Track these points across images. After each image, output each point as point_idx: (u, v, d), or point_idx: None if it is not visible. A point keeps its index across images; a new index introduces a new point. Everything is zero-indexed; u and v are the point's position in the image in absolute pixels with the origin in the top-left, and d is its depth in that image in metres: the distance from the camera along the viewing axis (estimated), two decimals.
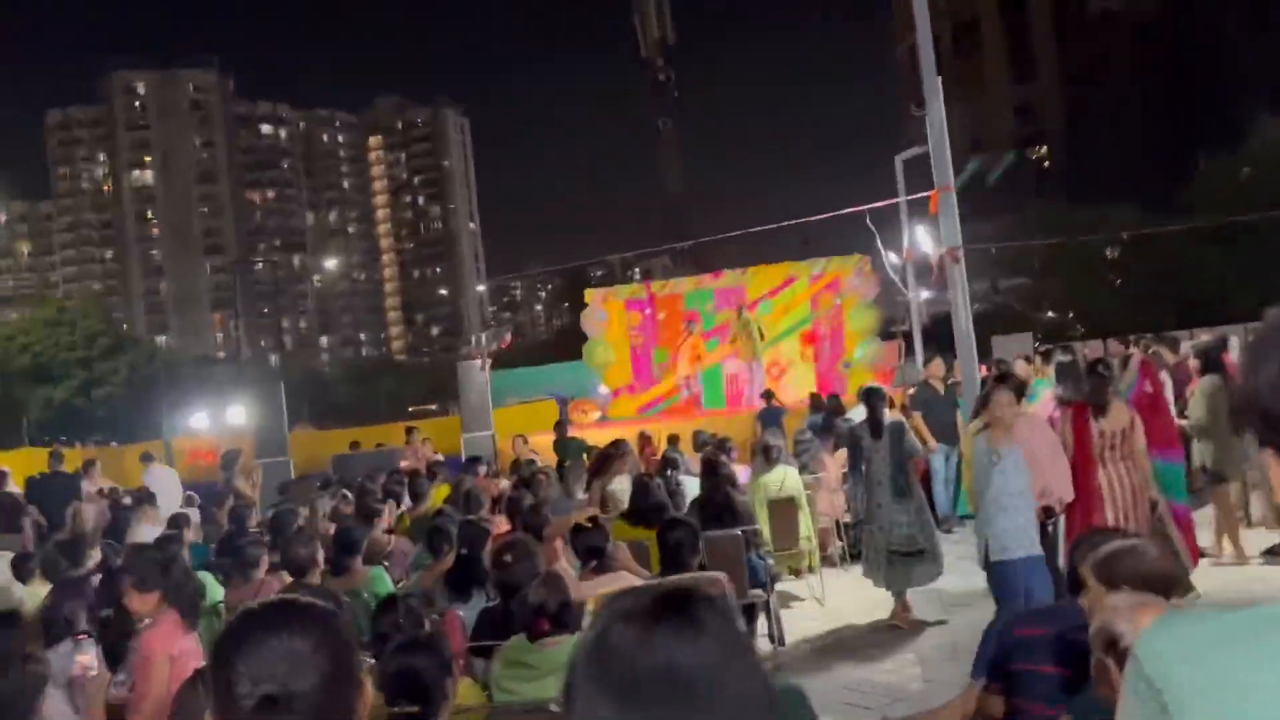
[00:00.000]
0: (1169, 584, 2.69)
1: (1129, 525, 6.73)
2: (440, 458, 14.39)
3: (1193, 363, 9.12)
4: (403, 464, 14.42)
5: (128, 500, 10.93)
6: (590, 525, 5.09)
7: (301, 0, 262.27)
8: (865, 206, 11.05)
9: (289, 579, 5.55)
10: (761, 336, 18.24)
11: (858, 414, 12.38)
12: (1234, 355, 12.00)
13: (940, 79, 8.63)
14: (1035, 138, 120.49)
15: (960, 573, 8.09)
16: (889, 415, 8.13)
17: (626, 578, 5.01)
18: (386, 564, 7.06)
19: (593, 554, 5.01)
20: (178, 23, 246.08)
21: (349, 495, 10.60)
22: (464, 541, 5.67)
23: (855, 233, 15.62)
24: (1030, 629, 3.23)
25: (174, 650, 4.22)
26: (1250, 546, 8.35)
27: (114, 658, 4.59)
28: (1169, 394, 9.45)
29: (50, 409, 41.73)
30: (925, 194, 8.93)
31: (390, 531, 7.57)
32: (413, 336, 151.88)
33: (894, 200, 12.61)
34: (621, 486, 8.01)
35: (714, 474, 7.30)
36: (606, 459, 8.50)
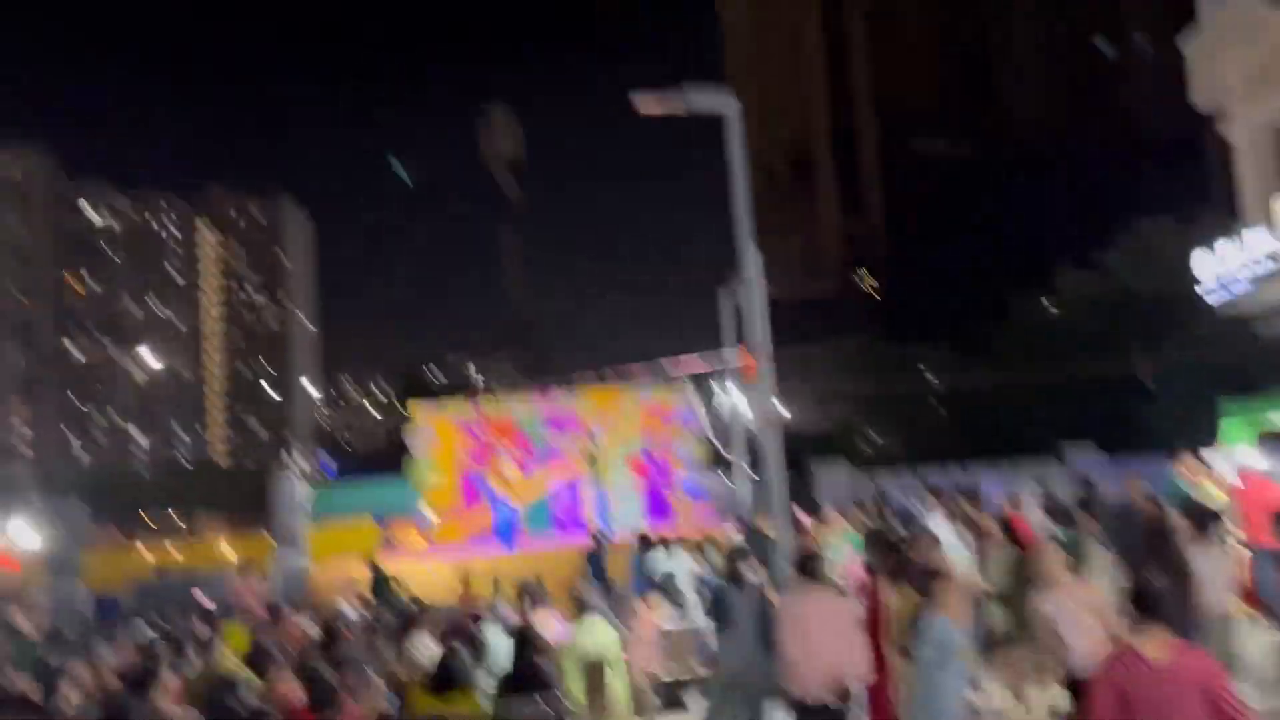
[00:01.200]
0: None
1: None
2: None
3: (992, 525, 9.57)
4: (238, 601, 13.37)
5: None
6: None
7: (141, 87, 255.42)
8: (685, 372, 11.36)
9: None
10: (603, 466, 18.27)
11: (678, 561, 12.55)
12: (1029, 509, 12.75)
13: (764, 228, 9.08)
14: (862, 268, 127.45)
15: None
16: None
17: None
18: None
19: None
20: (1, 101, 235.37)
21: (150, 636, 9.88)
22: None
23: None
24: None
25: None
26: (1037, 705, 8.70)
27: None
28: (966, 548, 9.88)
29: None
30: (742, 361, 9.29)
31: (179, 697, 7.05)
32: (239, 438, 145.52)
33: (712, 370, 13.05)
34: (426, 650, 7.76)
35: (524, 643, 7.17)
36: (409, 622, 8.24)
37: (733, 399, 12.32)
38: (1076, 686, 5.85)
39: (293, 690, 7.28)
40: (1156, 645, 4.34)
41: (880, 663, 6.96)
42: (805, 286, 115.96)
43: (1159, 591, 4.42)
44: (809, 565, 6.82)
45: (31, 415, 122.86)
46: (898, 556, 7.08)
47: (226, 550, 25.28)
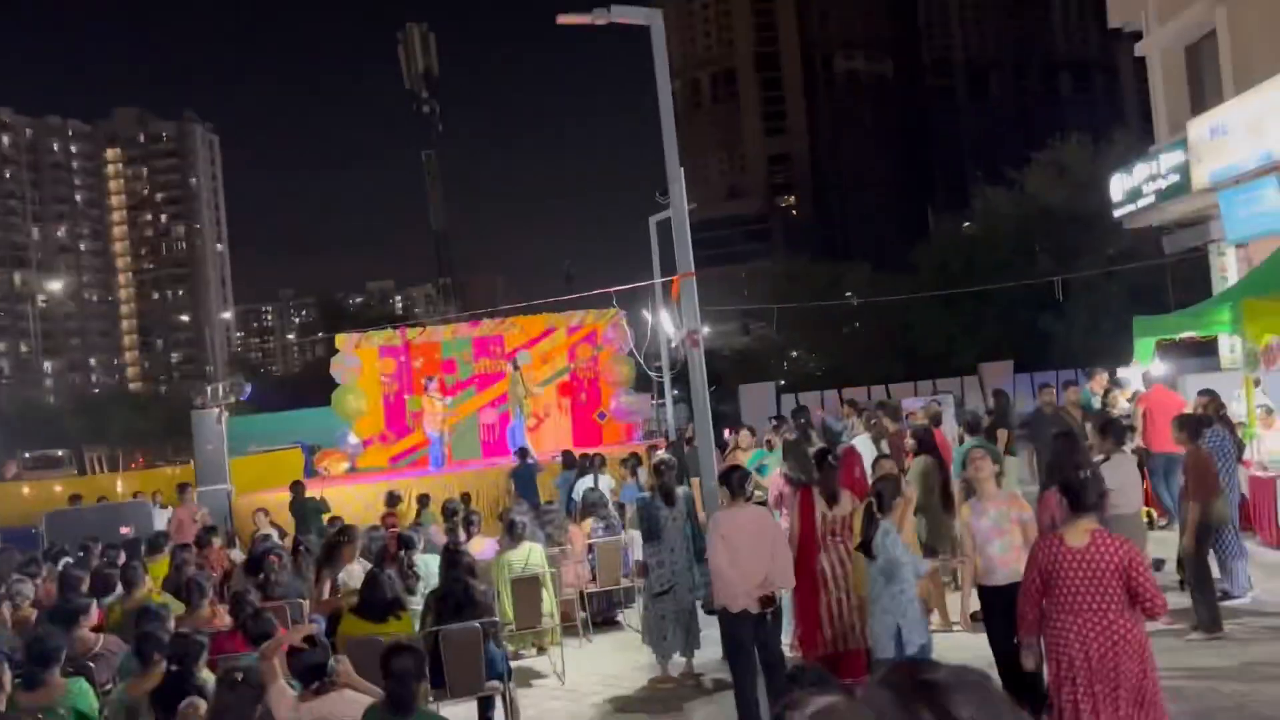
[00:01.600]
0: None
1: (850, 601, 7.17)
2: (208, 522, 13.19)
3: (909, 442, 9.81)
4: (169, 526, 13.14)
5: None
6: (307, 644, 4.88)
7: (38, 6, 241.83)
8: (613, 289, 11.32)
9: None
10: (526, 393, 18.14)
11: (602, 478, 12.66)
12: (947, 425, 13.09)
13: (688, 149, 9.01)
14: (786, 188, 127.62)
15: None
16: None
17: (350, 696, 4.84)
18: (93, 664, 6.52)
19: (313, 674, 4.81)
20: None
21: (60, 569, 9.72)
22: (175, 655, 5.30)
23: (614, 283, 15.99)
24: None
25: None
26: (954, 613, 9.05)
27: None
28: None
29: None
30: (669, 278, 9.28)
31: (99, 629, 6.97)
32: (150, 364, 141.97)
33: (639, 285, 13.00)
34: (353, 574, 7.76)
35: (454, 564, 7.19)
36: (334, 548, 8.21)
37: (659, 320, 12.31)
38: (992, 594, 6.06)
39: (220, 616, 7.25)
40: (1078, 532, 4.80)
41: (807, 572, 7.16)
42: (729, 205, 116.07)
43: (1083, 485, 4.91)
44: (733, 480, 6.91)
45: None
46: (826, 469, 7.22)
47: (145, 479, 24.86)
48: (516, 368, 18.41)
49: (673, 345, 13.09)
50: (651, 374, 16.77)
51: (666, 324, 11.38)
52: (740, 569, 6.52)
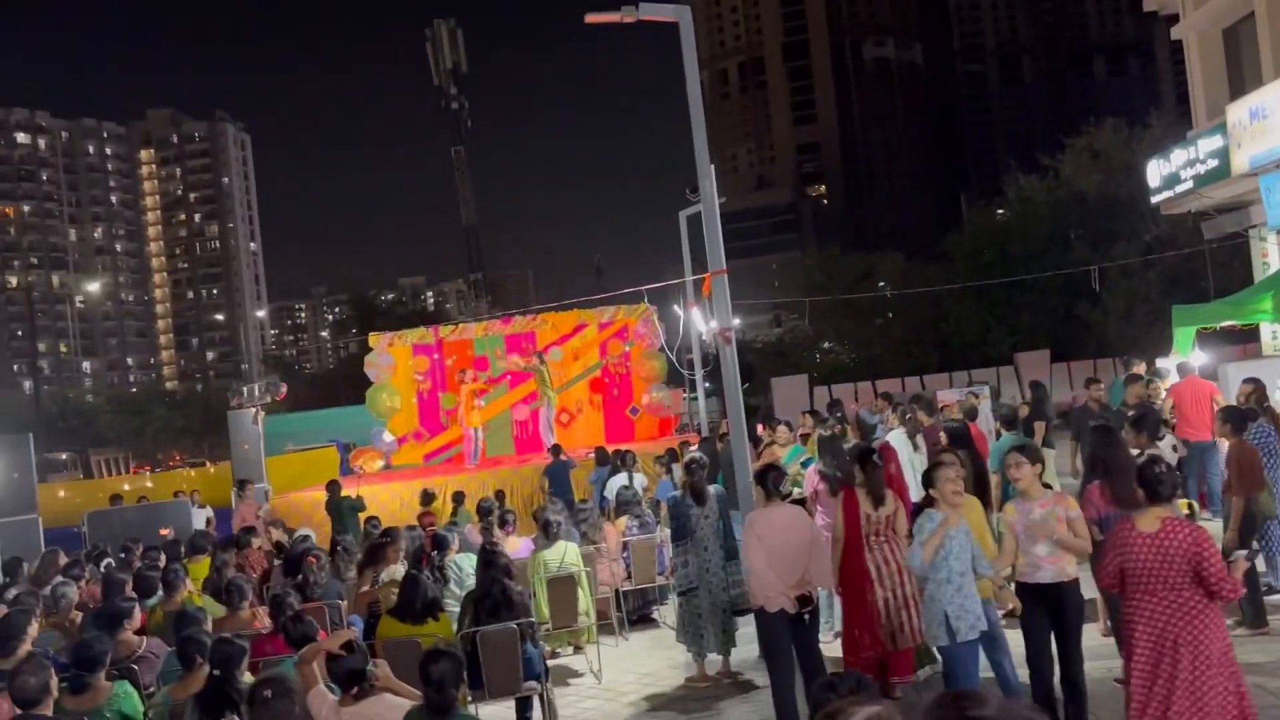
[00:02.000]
0: None
1: (898, 599, 7.07)
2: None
3: (943, 436, 9.72)
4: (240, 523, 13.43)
5: None
6: (345, 650, 4.92)
7: (72, 8, 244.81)
8: (645, 287, 11.30)
9: (15, 710, 5.08)
10: (548, 384, 18.21)
11: (638, 478, 12.67)
12: (983, 418, 12.98)
13: (716, 147, 8.97)
14: (816, 178, 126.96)
15: None
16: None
17: (390, 700, 4.87)
18: (136, 667, 6.60)
19: (353, 679, 4.85)
20: None
21: (105, 567, 9.85)
22: (216, 660, 5.35)
23: (645, 277, 16.04)
24: None
25: None
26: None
27: None
28: (921, 456, 10.07)
29: None
30: (700, 276, 9.24)
31: (140, 631, 7.06)
32: (186, 362, 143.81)
33: (670, 283, 12.97)
34: (395, 575, 7.81)
35: (490, 565, 7.21)
36: (378, 549, 8.27)
37: (690, 316, 12.25)
38: (1035, 592, 5.97)
39: (260, 619, 7.32)
40: (1150, 519, 4.96)
41: (855, 574, 7.06)
42: (759, 196, 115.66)
43: (1158, 479, 5.05)
44: (769, 479, 6.87)
45: None
46: (872, 468, 7.12)
47: (185, 479, 25.19)
48: (542, 361, 18.46)
49: (704, 340, 13.06)
50: (683, 371, 16.75)
51: (698, 319, 11.31)
52: (777, 569, 6.49)
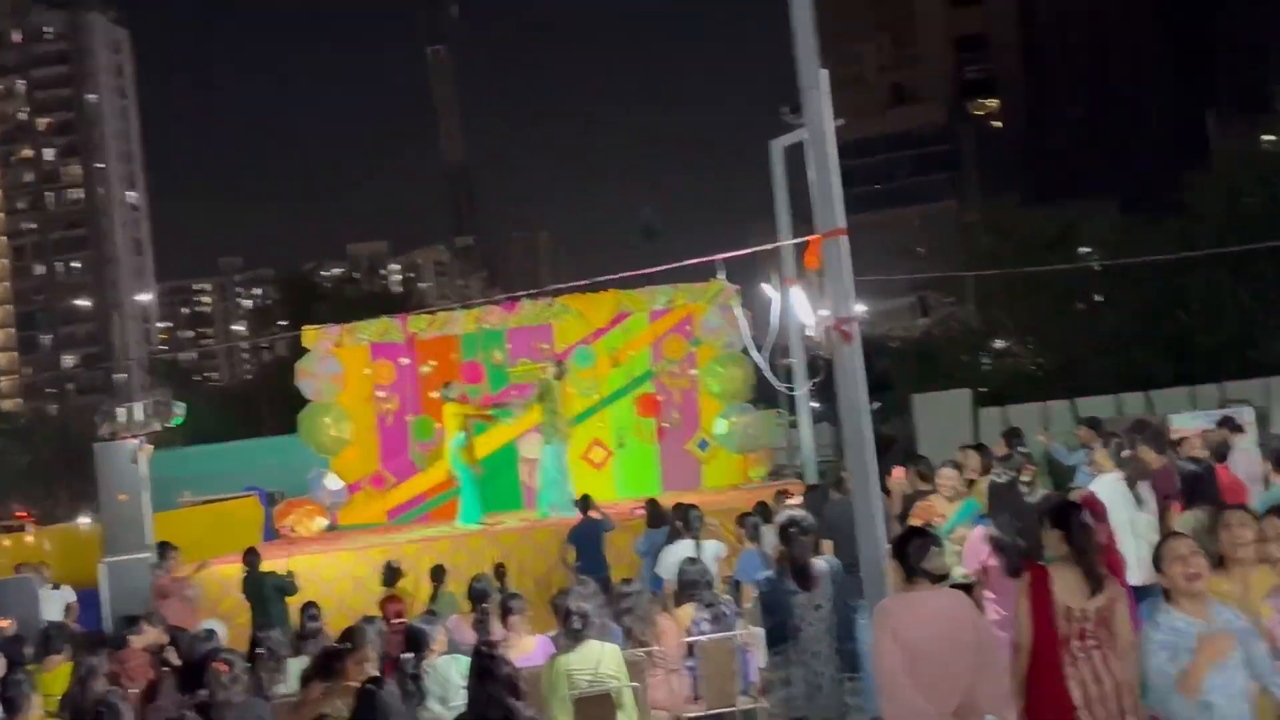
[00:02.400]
0: None
1: None
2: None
3: (1178, 480, 9.67)
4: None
5: None
6: None
7: None
8: (719, 256, 11.23)
9: None
10: (557, 409, 18.21)
11: (706, 543, 12.70)
12: (1242, 456, 12.83)
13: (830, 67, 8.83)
14: (983, 88, 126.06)
15: None
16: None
17: None
18: None
19: None
20: None
21: None
22: None
23: (717, 243, 15.85)
24: None
25: None
26: None
27: None
28: (1148, 513, 9.97)
29: None
30: (804, 239, 9.16)
31: None
32: (34, 370, 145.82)
33: (757, 249, 12.92)
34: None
35: (487, 676, 7.28)
36: (332, 659, 8.34)
37: (789, 298, 12.13)
38: None
39: None
40: None
41: (1049, 695, 6.96)
42: (894, 118, 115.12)
43: None
44: (912, 548, 6.78)
45: None
46: (1080, 531, 7.01)
47: (29, 547, 25.58)
48: (561, 375, 18.48)
49: (810, 337, 12.97)
50: (777, 383, 16.68)
51: (801, 305, 11.13)
52: (925, 688, 6.45)
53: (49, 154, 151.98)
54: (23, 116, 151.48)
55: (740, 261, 14.34)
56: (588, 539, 15.02)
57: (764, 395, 21.12)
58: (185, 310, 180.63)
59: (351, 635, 8.93)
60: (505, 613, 10.09)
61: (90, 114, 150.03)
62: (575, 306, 21.11)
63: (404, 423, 20.89)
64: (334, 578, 15.96)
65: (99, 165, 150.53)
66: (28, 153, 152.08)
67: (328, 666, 8.43)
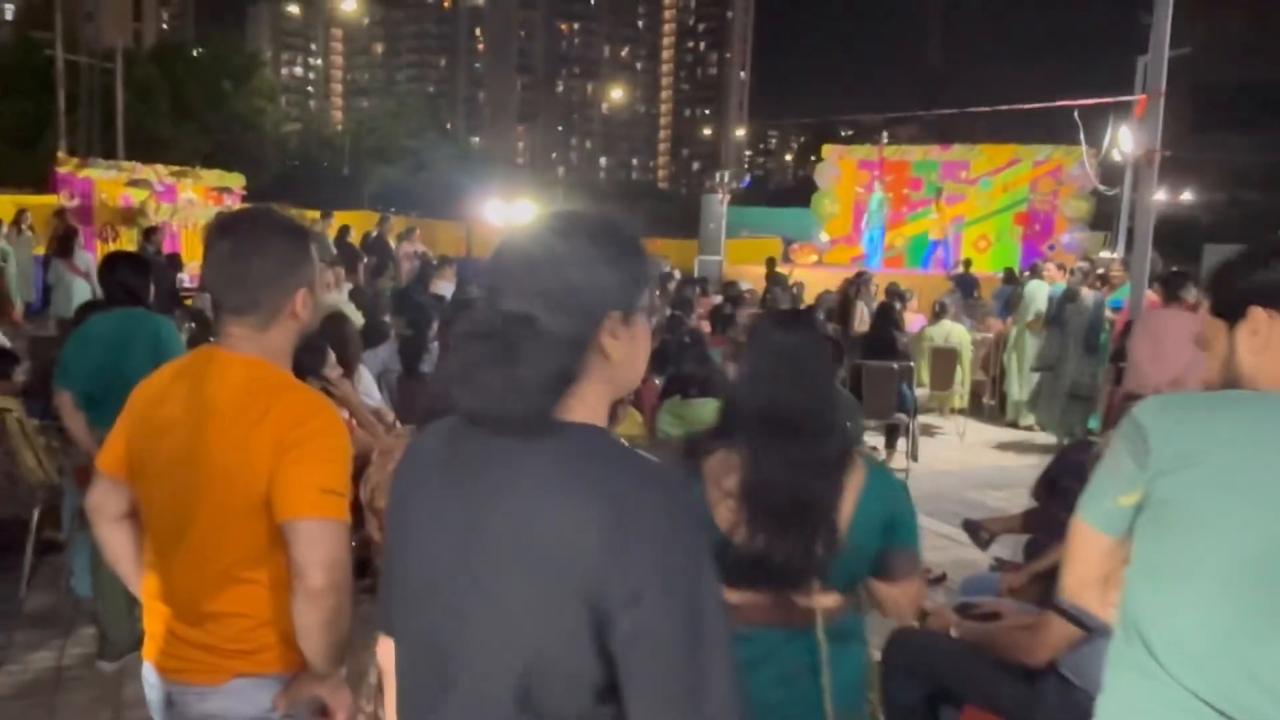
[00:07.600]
0: None
1: None
2: None
3: None
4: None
5: (434, 261, 12.30)
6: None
7: None
8: (1072, 102, 10.34)
9: None
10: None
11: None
12: None
13: None
14: None
15: None
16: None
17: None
18: None
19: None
20: None
21: None
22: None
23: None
24: (1079, 454, 3.42)
25: None
26: None
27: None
28: None
29: (384, 184, 45.44)
30: (1135, 97, 8.30)
31: None
32: (675, 168, 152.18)
33: (1097, 100, 11.65)
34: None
35: (884, 316, 7.58)
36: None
37: (1119, 140, 10.85)
38: None
39: (705, 328, 8.25)
40: None
41: None
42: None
43: None
44: (1173, 282, 6.04)
45: (527, 136, 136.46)
46: None
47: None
48: (939, 197, 17.81)
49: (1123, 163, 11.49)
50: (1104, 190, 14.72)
51: (1126, 139, 9.58)
52: (1159, 360, 5.71)
53: (701, 46, 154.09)
54: (691, 23, 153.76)
55: (1097, 127, 12.97)
56: (965, 282, 14.40)
57: (1100, 224, 19.42)
58: (761, 145, 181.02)
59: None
60: (903, 299, 10.14)
61: (727, 24, 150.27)
62: (986, 152, 19.98)
63: (868, 204, 20.55)
64: (815, 287, 16.25)
65: (727, 55, 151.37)
66: (690, 45, 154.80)
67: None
